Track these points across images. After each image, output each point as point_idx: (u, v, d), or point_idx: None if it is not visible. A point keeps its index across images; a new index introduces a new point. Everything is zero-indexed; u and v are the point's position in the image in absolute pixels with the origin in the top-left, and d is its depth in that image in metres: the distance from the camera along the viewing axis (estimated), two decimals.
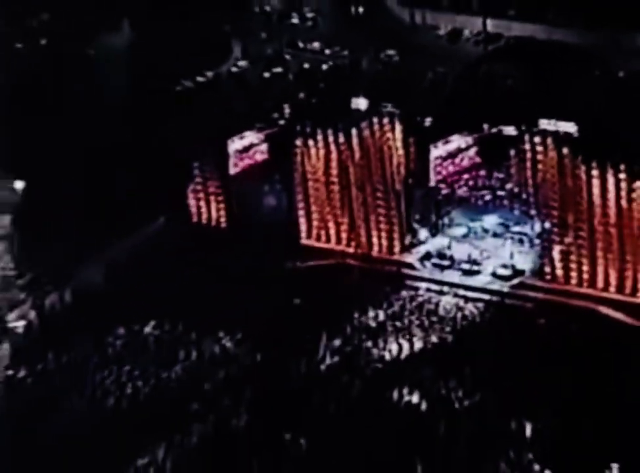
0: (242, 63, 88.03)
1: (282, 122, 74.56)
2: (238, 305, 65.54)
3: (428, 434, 56.80)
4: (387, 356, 63.06)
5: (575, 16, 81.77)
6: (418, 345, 63.53)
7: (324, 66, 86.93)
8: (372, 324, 64.97)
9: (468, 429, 56.75)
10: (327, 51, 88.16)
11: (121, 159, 73.58)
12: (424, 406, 58.67)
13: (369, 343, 63.52)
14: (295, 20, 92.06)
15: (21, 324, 66.96)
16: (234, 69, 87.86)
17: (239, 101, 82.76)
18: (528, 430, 55.44)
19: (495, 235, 67.46)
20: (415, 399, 59.20)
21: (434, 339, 63.86)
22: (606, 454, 52.50)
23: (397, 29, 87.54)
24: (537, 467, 52.74)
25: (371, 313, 65.39)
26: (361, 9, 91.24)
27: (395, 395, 59.40)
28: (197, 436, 57.99)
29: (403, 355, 63.03)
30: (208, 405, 60.13)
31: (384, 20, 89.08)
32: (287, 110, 76.85)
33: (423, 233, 68.68)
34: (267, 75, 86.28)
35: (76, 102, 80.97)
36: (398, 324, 65.01)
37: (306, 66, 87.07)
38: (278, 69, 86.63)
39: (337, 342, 63.39)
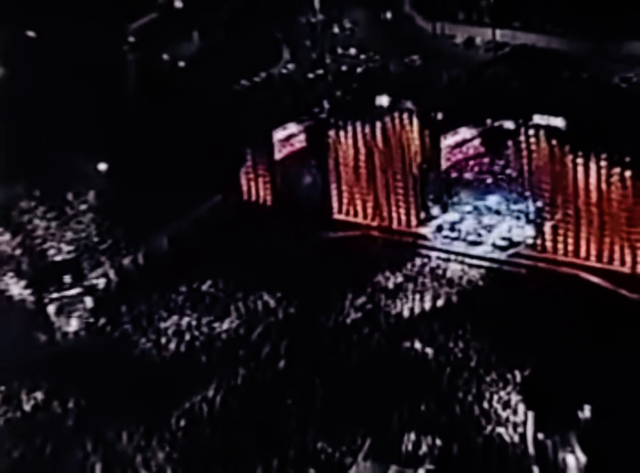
0: (290, 66, 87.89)
1: (322, 116, 73.85)
2: (279, 268, 65.44)
3: (434, 378, 56.92)
4: (402, 312, 62.76)
5: (570, 28, 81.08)
6: (428, 304, 63.17)
7: (359, 69, 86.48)
8: (391, 285, 64.60)
9: (467, 374, 56.80)
10: (361, 56, 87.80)
11: (185, 147, 73.53)
12: (431, 354, 58.74)
13: (387, 302, 63.28)
14: (335, 30, 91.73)
15: (102, 281, 67.22)
16: (283, 71, 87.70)
17: (287, 98, 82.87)
18: (518, 376, 55.72)
19: (496, 212, 66.93)
20: (424, 348, 59.27)
21: (441, 299, 63.49)
22: (580, 397, 52.31)
23: (420, 38, 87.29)
24: (522, 407, 52.99)
25: (390, 277, 65.06)
26: (390, 21, 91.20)
27: (408, 344, 59.32)
28: (242, 378, 58.49)
29: (415, 312, 62.63)
30: (252, 351, 60.78)
31: (409, 30, 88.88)
32: (326, 106, 76.89)
33: (436, 210, 68.24)
34: (310, 76, 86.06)
35: (150, 100, 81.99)
36: (412, 286, 64.59)
37: (343, 68, 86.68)
38: (320, 71, 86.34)
39: (360, 300, 63.22)
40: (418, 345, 59.62)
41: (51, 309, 64.43)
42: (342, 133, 68.85)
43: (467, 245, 66.72)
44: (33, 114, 78.79)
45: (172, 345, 61.67)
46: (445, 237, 67.43)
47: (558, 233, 64.58)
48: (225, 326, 62.40)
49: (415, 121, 67.16)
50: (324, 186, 70.13)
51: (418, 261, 66.73)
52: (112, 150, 74.93)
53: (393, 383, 56.69)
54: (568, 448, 50.48)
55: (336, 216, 70.07)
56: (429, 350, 59.16)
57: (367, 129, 68.29)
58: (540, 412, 52.33)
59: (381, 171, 68.65)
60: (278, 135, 70.52)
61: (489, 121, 65.68)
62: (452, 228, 67.65)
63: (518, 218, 66.59)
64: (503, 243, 66.22)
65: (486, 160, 66.90)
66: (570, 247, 64.34)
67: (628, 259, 62.89)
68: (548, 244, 65.07)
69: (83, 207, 72.38)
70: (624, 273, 63.02)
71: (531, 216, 65.88)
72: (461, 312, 62.59)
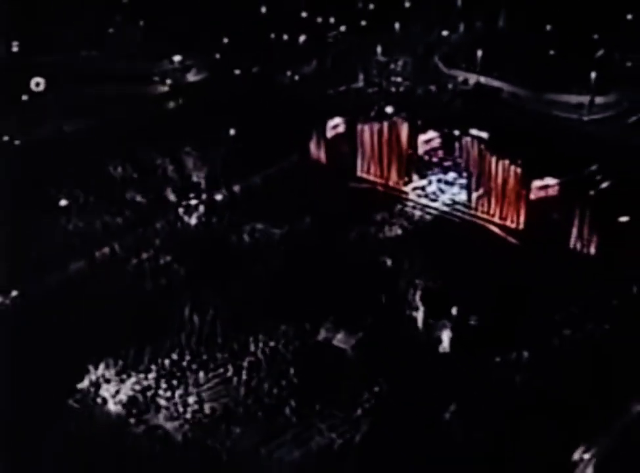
0: (360, 84, 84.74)
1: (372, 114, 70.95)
2: (321, 202, 64.86)
3: (389, 279, 56.93)
4: (380, 236, 62.14)
5: (524, 81, 77.62)
6: (398, 232, 62.52)
7: (400, 89, 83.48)
8: (379, 219, 63.78)
9: (407, 278, 56.76)
10: (404, 83, 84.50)
11: (281, 126, 71.49)
12: (389, 263, 58.47)
13: (375, 231, 62.37)
14: (392, 66, 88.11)
15: (219, 197, 67.27)
16: (356, 86, 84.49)
17: (354, 102, 79.85)
18: (430, 286, 54.88)
19: (449, 183, 65.26)
20: (388, 261, 58.77)
21: (408, 230, 62.74)
22: (453, 301, 52.05)
23: (438, 76, 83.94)
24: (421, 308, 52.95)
25: (381, 214, 64.13)
26: (424, 65, 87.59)
27: (380, 258, 58.76)
28: (283, 264, 58.62)
29: (389, 236, 61.97)
30: (293, 248, 60.54)
31: (434, 71, 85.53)
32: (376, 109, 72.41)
33: (414, 177, 66.66)
34: (370, 90, 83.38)
35: (269, 99, 79.65)
36: (393, 220, 63.81)
37: (392, 89, 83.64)
38: (376, 89, 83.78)
39: (360, 228, 62.25)
40: (388, 260, 59.04)
41: (181, 210, 65.78)
42: (365, 126, 67.69)
43: (429, 201, 65.53)
44: (209, 106, 78.49)
45: (247, 239, 62.52)
46: (417, 195, 66.20)
47: (480, 200, 63.22)
48: (278, 232, 62.62)
49: (406, 123, 65.61)
50: (353, 156, 68.96)
51: (399, 206, 65.72)
52: (240, 125, 74.00)
53: (365, 281, 56.43)
54: (443, 328, 51.00)
55: (359, 174, 69.08)
56: (390, 262, 58.82)
57: (378, 125, 67.15)
58: (430, 307, 52.48)
59: (385, 150, 67.43)
60: (330, 123, 69.48)
61: (445, 129, 63.90)
62: (422, 189, 66.38)
63: (460, 187, 64.95)
64: (449, 201, 65.12)
65: (443, 152, 64.89)
66: (485, 209, 63.02)
67: (515, 219, 61.42)
68: (473, 205, 63.79)
69: (214, 155, 71.89)
70: (511, 227, 61.65)
71: (466, 187, 64.22)
72: (416, 241, 61.55)
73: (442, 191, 65.91)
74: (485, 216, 62.83)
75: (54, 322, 53.72)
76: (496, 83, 79.04)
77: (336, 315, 52.98)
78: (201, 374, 49.32)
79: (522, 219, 60.52)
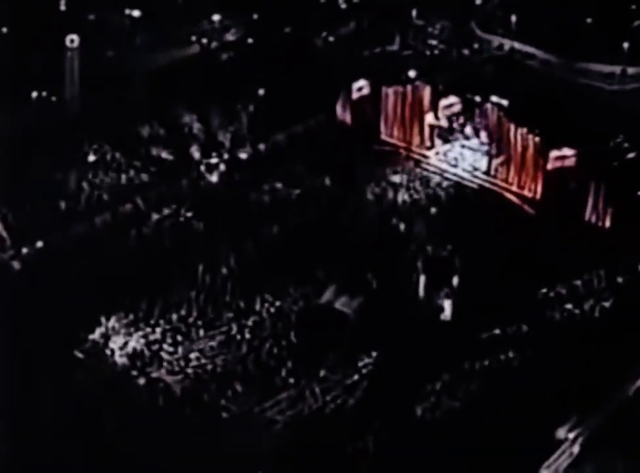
0: (395, 47, 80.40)
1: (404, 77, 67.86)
2: (344, 162, 62.36)
3: (399, 242, 55.03)
4: (399, 200, 59.93)
5: (556, 48, 73.21)
6: (418, 196, 60.09)
7: (435, 52, 79.49)
8: (398, 181, 61.60)
9: (417, 242, 54.81)
10: (439, 46, 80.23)
11: (311, 86, 68.49)
12: (402, 228, 56.61)
13: (391, 192, 60.31)
14: (429, 30, 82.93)
15: (244, 155, 64.98)
16: (392, 49, 79.97)
17: (385, 64, 76.28)
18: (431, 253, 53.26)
19: (470, 149, 61.96)
20: (402, 226, 56.83)
21: (426, 194, 60.24)
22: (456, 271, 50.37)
23: (472, 41, 79.18)
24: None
25: (399, 177, 61.90)
26: (460, 30, 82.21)
27: (393, 221, 57.14)
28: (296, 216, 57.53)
29: (404, 201, 59.55)
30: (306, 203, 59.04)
31: (469, 36, 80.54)
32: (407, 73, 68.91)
33: (438, 142, 63.76)
34: (405, 53, 79.27)
35: (302, 59, 75.78)
36: (411, 184, 61.50)
37: (427, 52, 79.56)
38: (410, 52, 79.39)
39: (377, 189, 60.54)
40: (401, 224, 56.98)
41: (202, 167, 63.82)
42: (389, 89, 65.06)
43: (448, 166, 62.82)
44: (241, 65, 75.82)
45: (265, 198, 60.87)
46: (438, 159, 63.52)
47: (499, 167, 60.55)
48: (296, 192, 60.55)
49: (428, 87, 63.12)
50: (377, 118, 66.18)
51: (418, 170, 63.17)
52: (270, 84, 70.90)
53: (376, 244, 54.40)
54: (445, 296, 48.96)
55: (382, 137, 66.36)
56: (403, 226, 56.76)
57: (402, 88, 64.58)
58: (435, 274, 50.17)
59: (408, 113, 64.69)
60: (355, 85, 66.79)
61: (467, 94, 60.88)
62: (444, 154, 63.56)
63: (480, 154, 61.65)
64: (469, 168, 62.13)
65: (464, 117, 61.59)
66: (503, 177, 60.37)
67: (532, 188, 58.76)
68: (492, 173, 61.06)
69: (243, 115, 69.20)
70: (528, 196, 58.97)
71: (486, 154, 61.29)
72: (432, 206, 59.11)
73: (463, 157, 62.81)
74: (502, 184, 60.08)
75: (74, 273, 53.50)
76: (530, 49, 74.78)
77: (342, 278, 51.08)
78: (205, 330, 48.76)
79: (539, 188, 57.74)
